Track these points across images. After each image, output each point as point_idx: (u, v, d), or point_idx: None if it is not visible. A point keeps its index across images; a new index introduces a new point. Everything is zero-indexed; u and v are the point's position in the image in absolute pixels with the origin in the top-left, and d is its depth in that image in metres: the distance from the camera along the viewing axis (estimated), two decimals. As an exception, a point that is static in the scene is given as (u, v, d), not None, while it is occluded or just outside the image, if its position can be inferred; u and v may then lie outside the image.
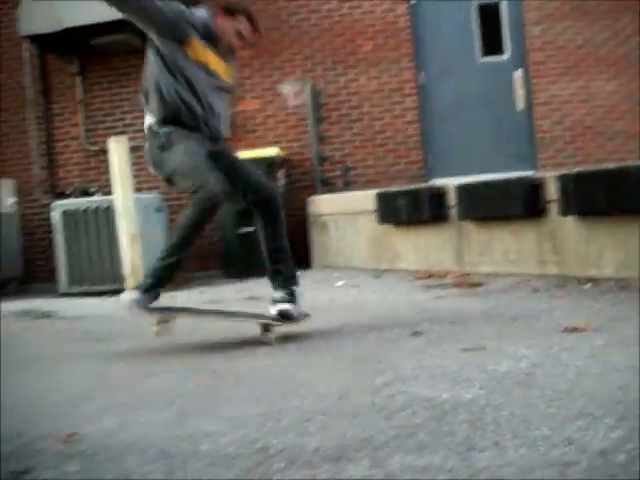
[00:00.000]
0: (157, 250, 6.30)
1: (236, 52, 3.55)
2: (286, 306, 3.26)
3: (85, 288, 5.97)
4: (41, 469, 1.76)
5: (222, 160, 3.39)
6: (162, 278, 3.45)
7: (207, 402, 2.30)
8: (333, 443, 1.78)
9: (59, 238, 6.17)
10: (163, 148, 3.40)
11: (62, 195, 6.93)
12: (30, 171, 7.84)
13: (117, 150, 6.17)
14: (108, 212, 6.05)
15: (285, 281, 3.39)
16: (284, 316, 3.24)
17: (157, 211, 6.58)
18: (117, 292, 5.74)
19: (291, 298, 3.31)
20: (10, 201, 7.16)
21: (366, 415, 2.00)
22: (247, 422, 2.03)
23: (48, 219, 7.15)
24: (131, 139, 6.51)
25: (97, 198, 6.41)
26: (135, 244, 5.94)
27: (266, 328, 3.20)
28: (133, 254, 5.89)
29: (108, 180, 7.26)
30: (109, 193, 6.40)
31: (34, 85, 7.94)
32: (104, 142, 7.20)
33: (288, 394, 2.30)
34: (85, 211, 6.14)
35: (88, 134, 7.81)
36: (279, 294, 3.33)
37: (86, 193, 6.80)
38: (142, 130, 7.50)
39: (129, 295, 3.44)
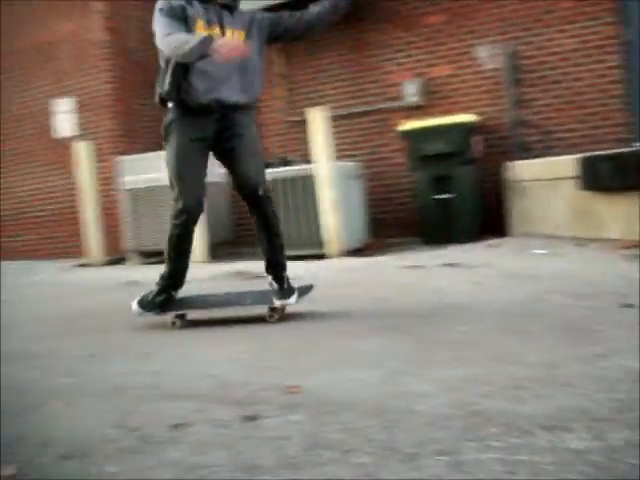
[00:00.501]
0: (356, 216, 6.53)
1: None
2: (284, 302, 3.41)
3: (290, 252, 6.25)
4: (268, 417, 1.92)
5: (228, 146, 3.38)
6: (167, 287, 3.49)
7: (415, 364, 2.36)
8: (548, 411, 1.76)
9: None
10: (164, 138, 3.45)
11: (266, 165, 7.27)
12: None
13: (316, 120, 6.42)
14: (309, 180, 6.30)
15: (276, 270, 3.49)
16: (282, 309, 3.42)
17: (355, 179, 6.73)
18: (319, 257, 6.02)
19: (284, 291, 3.43)
20: (220, 171, 7.63)
21: (580, 386, 1.96)
22: (458, 385, 2.07)
23: (254, 187, 7.56)
24: (330, 109, 6.73)
25: (298, 167, 6.67)
26: (335, 210, 6.17)
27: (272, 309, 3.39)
28: (333, 220, 6.14)
29: (308, 150, 7.56)
30: (309, 162, 6.66)
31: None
32: (304, 113, 7.49)
33: (496, 360, 2.31)
34: (288, 179, 6.42)
35: (289, 106, 8.12)
36: (275, 286, 3.46)
37: (287, 162, 7.10)
38: (340, 99, 7.74)
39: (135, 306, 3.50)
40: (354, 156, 7.41)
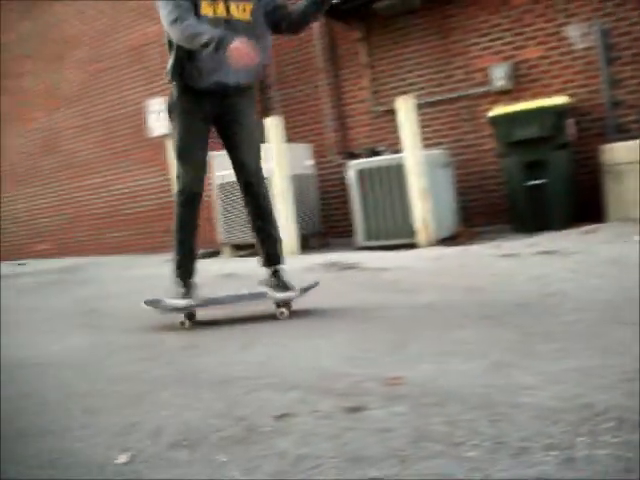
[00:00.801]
0: (445, 205, 6.43)
1: None
2: (285, 295, 3.40)
3: (380, 242, 6.25)
4: (371, 408, 1.91)
5: (226, 127, 3.39)
6: (183, 276, 3.51)
7: (518, 355, 2.30)
8: (666, 407, 1.68)
9: (354, 196, 6.51)
10: (169, 117, 3.45)
11: (353, 155, 7.28)
12: (324, 135, 8.36)
13: (404, 109, 6.36)
14: (398, 170, 6.25)
15: (269, 262, 3.48)
16: (284, 303, 3.39)
17: (444, 167, 6.63)
18: (410, 246, 5.97)
19: (282, 285, 3.42)
20: (308, 163, 7.70)
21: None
22: (564, 377, 1.99)
23: (342, 179, 7.59)
24: (416, 97, 6.65)
25: (386, 157, 6.63)
26: (425, 199, 6.10)
27: (278, 305, 3.39)
28: (423, 209, 6.07)
29: (395, 139, 7.50)
30: (396, 152, 6.61)
31: (323, 54, 8.38)
32: (390, 102, 7.43)
33: (604, 352, 2.22)
34: (377, 169, 6.39)
35: (374, 96, 8.07)
36: (269, 280, 3.46)
37: (375, 152, 7.07)
38: (426, 87, 7.63)
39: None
40: (441, 144, 7.30)
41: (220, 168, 7.31)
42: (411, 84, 7.78)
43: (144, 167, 9.05)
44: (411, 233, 6.12)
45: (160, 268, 6.81)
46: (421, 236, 6.03)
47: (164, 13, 3.16)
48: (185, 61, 3.26)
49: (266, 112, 8.40)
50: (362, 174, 6.47)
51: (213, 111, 3.38)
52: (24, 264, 9.83)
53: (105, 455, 1.82)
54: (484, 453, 1.51)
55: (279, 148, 6.77)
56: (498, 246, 5.37)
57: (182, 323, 3.49)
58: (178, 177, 3.44)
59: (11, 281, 7.67)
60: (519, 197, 6.35)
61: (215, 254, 7.52)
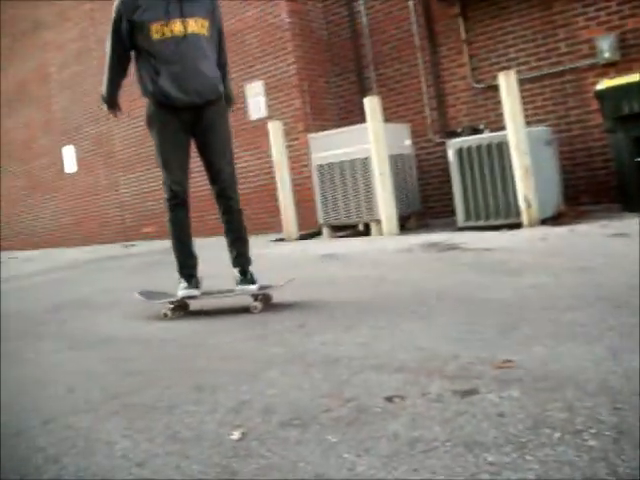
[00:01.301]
0: (550, 183, 6.19)
1: None
2: (253, 287, 3.61)
3: (481, 222, 6.10)
4: (483, 392, 1.85)
5: (200, 138, 3.65)
6: (188, 276, 3.76)
7: (637, 339, 2.18)
8: None
9: (454, 175, 6.36)
10: (148, 128, 3.73)
11: (453, 134, 7.11)
12: (422, 113, 8.22)
13: (506, 85, 6.13)
14: (500, 148, 6.06)
15: (241, 262, 3.73)
16: (258, 297, 3.55)
17: (547, 144, 6.37)
18: (512, 226, 5.79)
19: (247, 280, 3.66)
20: (407, 143, 7.60)
21: None
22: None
23: (441, 157, 7.44)
24: (517, 72, 6.40)
25: (488, 134, 6.43)
26: (528, 177, 5.89)
27: (255, 298, 3.56)
28: (526, 188, 5.86)
29: (495, 116, 7.27)
30: (496, 129, 6.40)
31: (420, 32, 8.21)
32: (489, 79, 7.21)
33: None
34: (478, 148, 6.22)
35: (474, 72, 7.85)
36: (238, 277, 3.70)
37: (475, 130, 6.88)
38: (527, 62, 7.35)
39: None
40: (545, 120, 7.02)
41: (319, 150, 7.34)
42: (512, 59, 7.51)
43: (244, 150, 9.18)
44: (514, 213, 5.93)
45: (261, 249, 6.93)
46: (524, 216, 5.83)
47: (106, 47, 3.67)
48: (153, 83, 3.55)
49: (363, 92, 8.34)
50: (462, 153, 6.31)
51: (189, 122, 3.62)
52: (132, 245, 10.23)
53: (217, 431, 1.85)
54: (607, 443, 1.44)
55: (377, 128, 6.70)
56: (606, 225, 5.12)
57: (165, 315, 3.71)
58: (164, 184, 3.73)
59: (120, 262, 8.00)
60: (628, 174, 6.01)
61: (316, 235, 7.56)
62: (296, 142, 8.33)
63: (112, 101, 3.85)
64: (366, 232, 7.01)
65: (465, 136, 6.59)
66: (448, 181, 6.67)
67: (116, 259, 8.45)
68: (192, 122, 3.63)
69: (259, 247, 7.12)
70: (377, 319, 2.96)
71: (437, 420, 1.70)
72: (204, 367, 2.54)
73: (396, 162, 7.06)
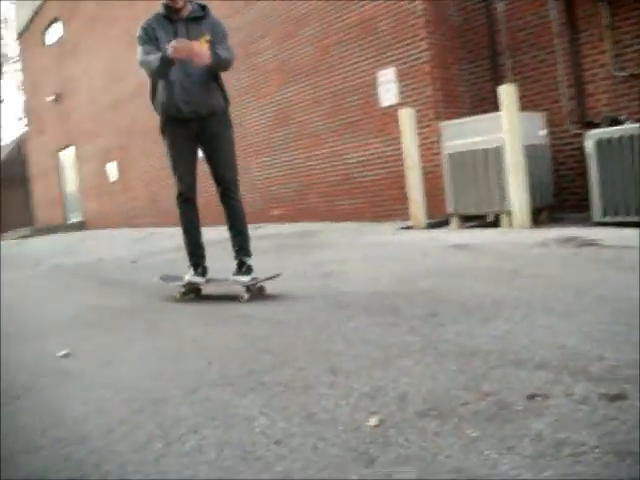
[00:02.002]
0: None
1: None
2: (245, 279, 4.01)
3: (619, 218, 5.75)
4: (633, 398, 1.73)
5: (205, 146, 4.07)
6: (195, 264, 4.24)
7: None
8: None
9: (592, 167, 6.03)
10: (161, 135, 4.15)
11: (590, 124, 6.74)
12: (559, 102, 7.85)
13: (654, 74, 5.73)
14: (643, 140, 5.67)
15: (239, 254, 4.12)
16: (249, 287, 3.97)
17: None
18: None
19: (241, 270, 4.07)
20: (542, 133, 7.29)
21: None
22: None
23: (578, 149, 7.08)
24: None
25: (630, 125, 6.04)
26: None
27: (247, 289, 3.96)
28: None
29: (638, 106, 6.82)
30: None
31: (559, 17, 7.82)
32: (633, 67, 6.76)
33: None
34: (619, 139, 5.86)
35: (616, 60, 7.40)
36: (237, 269, 4.10)
37: (616, 121, 6.48)
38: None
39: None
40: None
41: (450, 138, 7.18)
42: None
43: (374, 137, 9.14)
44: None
45: (389, 236, 6.90)
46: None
47: (137, 58, 3.98)
48: (163, 96, 3.99)
49: (497, 80, 8.07)
50: (602, 144, 5.97)
51: (195, 131, 4.04)
52: (261, 227, 10.49)
53: (353, 416, 1.85)
54: None
55: (512, 117, 6.46)
56: None
57: (175, 297, 4.29)
58: (176, 184, 4.17)
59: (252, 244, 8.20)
60: None
61: (444, 224, 7.42)
62: (426, 130, 8.19)
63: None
64: (495, 224, 6.80)
65: (604, 127, 6.23)
66: (584, 174, 6.33)
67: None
68: (198, 133, 4.05)
69: (387, 234, 7.10)
70: (513, 313, 2.85)
71: (584, 424, 1.61)
72: (338, 351, 2.55)
73: (530, 152, 6.78)
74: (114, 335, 3.40)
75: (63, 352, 3.04)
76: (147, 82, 4.10)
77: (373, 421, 1.80)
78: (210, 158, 4.09)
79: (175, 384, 2.35)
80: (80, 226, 19.18)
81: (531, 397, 1.81)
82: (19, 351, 3.25)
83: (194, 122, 4.01)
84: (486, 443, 1.57)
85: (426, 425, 1.72)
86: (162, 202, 14.52)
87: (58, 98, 19.91)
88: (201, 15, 4.03)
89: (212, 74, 4.00)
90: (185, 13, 3.99)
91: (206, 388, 2.26)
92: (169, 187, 13.04)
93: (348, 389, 2.07)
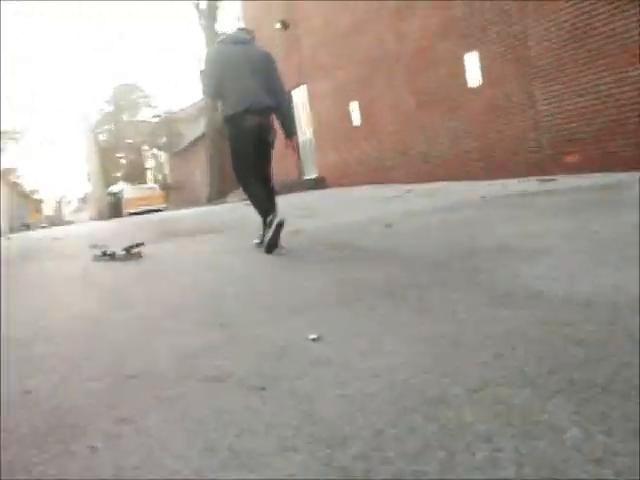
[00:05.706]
0: None
1: None
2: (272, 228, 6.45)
3: None
4: None
5: (256, 139, 6.78)
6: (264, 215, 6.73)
7: None
8: None
9: None
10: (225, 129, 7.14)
11: None
12: None
13: None
14: None
15: (268, 213, 6.57)
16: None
17: None
18: None
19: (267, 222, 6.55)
20: None
21: None
22: None
23: None
24: None
25: None
26: None
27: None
28: None
29: None
30: None
31: None
32: None
33: None
34: None
35: None
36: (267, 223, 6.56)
37: None
38: None
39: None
40: None
41: None
42: None
43: None
44: None
45: None
46: None
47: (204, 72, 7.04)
48: (223, 97, 6.89)
49: None
50: None
51: (255, 125, 6.69)
52: (550, 180, 10.18)
53: None
54: None
55: None
56: None
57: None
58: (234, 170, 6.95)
59: (530, 199, 8.02)
60: None
61: None
62: None
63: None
64: None
65: None
66: None
67: (530, 196, 8.50)
68: (255, 126, 6.71)
69: None
70: None
71: None
72: None
73: None
74: (368, 315, 3.50)
75: (312, 336, 3.20)
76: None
77: None
78: (264, 154, 6.98)
79: (453, 380, 2.37)
80: (318, 183, 20.06)
81: None
82: (267, 332, 3.47)
83: (251, 115, 6.84)
84: None
85: None
86: (416, 151, 14.75)
87: (284, 25, 20.99)
88: (248, 40, 7.19)
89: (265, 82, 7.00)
90: None
91: (495, 387, 2.25)
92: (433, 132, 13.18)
93: None
